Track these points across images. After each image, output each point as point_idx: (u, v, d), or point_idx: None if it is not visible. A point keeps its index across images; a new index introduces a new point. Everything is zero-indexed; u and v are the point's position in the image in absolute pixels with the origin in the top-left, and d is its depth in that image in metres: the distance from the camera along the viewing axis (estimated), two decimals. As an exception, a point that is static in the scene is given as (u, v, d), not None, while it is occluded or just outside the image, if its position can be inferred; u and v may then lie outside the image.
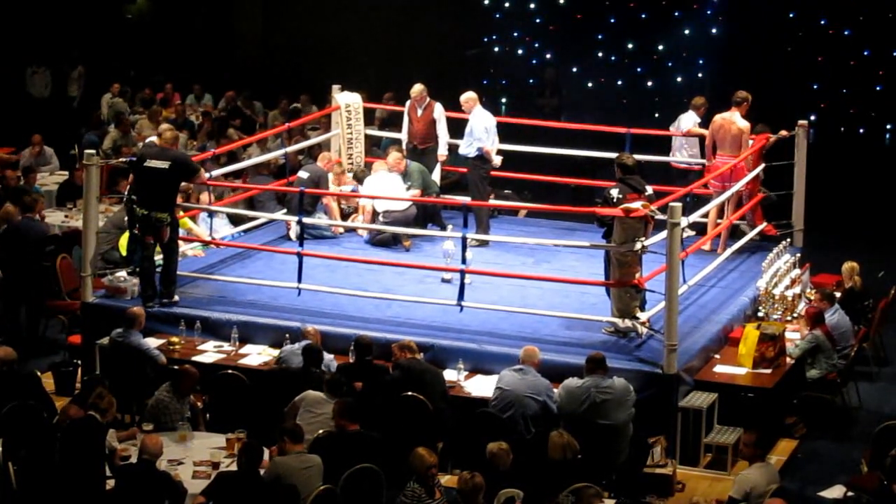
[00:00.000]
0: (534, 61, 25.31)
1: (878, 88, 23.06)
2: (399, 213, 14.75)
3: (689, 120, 15.38)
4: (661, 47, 24.14)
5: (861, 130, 23.53)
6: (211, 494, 9.54)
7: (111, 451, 10.20)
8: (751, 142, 14.61)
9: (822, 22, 23.06)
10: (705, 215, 14.27)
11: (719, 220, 14.58)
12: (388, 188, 14.84)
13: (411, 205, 14.80)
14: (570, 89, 24.78)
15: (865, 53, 22.90)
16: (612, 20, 24.50)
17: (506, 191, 16.89)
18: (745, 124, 14.43)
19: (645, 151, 14.74)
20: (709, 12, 23.73)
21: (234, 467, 10.04)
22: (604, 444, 10.73)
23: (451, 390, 11.47)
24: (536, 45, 25.16)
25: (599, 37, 24.63)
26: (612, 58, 24.59)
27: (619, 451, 10.83)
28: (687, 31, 23.92)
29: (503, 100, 24.70)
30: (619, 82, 24.58)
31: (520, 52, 25.30)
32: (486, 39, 25.39)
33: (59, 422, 10.52)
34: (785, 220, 15.29)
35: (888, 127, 23.58)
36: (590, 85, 24.66)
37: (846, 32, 22.93)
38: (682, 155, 15.41)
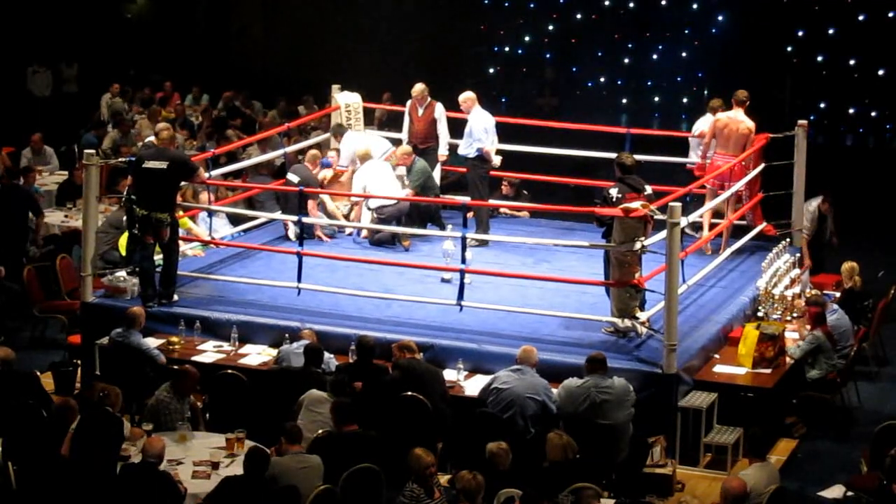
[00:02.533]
0: (533, 61, 25.35)
1: (876, 88, 23.10)
2: (392, 208, 14.71)
3: (704, 122, 15.26)
4: (660, 47, 24.17)
5: (861, 130, 23.56)
6: (215, 499, 9.52)
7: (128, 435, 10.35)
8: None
9: (822, 22, 23.09)
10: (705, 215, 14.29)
11: (715, 221, 14.56)
12: (380, 180, 14.76)
13: (398, 202, 14.75)
14: (569, 89, 24.82)
15: (865, 53, 22.92)
16: (612, 20, 24.53)
17: (524, 191, 16.86)
18: (752, 123, 14.38)
19: (645, 151, 14.72)
20: (707, 12, 23.76)
21: (233, 467, 10.05)
22: (603, 444, 10.73)
23: (450, 390, 11.46)
24: (536, 44, 25.20)
25: (598, 37, 24.66)
26: (612, 57, 24.62)
27: (618, 450, 10.82)
28: (686, 31, 23.95)
29: (503, 99, 24.72)
30: (619, 82, 24.61)
31: (520, 51, 25.33)
32: (485, 39, 25.43)
33: (58, 416, 10.51)
34: (784, 220, 15.29)
35: (888, 127, 23.59)
36: (589, 84, 24.69)
37: (846, 32, 22.96)
38: (695, 156, 15.33)
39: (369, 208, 14.87)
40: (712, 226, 14.60)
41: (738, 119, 14.34)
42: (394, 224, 14.73)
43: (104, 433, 10.09)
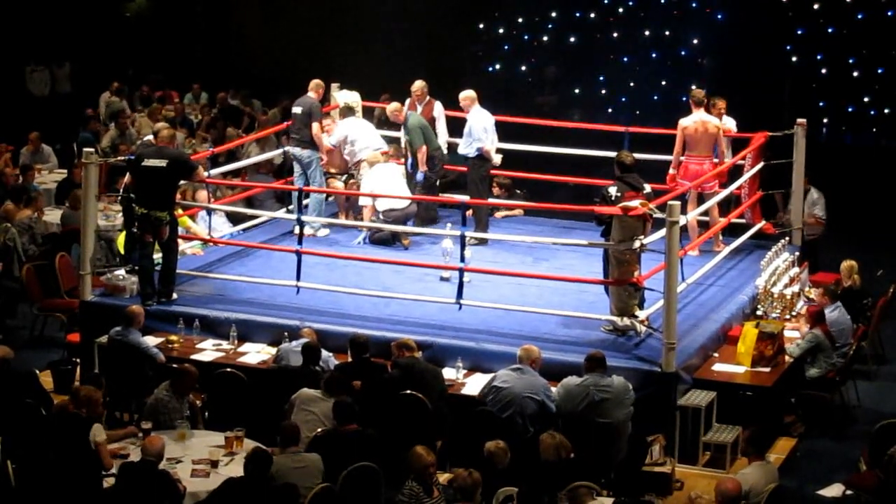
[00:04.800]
0: (534, 60, 25.34)
1: (876, 87, 23.08)
2: (399, 213, 14.71)
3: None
4: (660, 45, 24.15)
5: (860, 129, 23.54)
6: (216, 500, 9.50)
7: (95, 445, 10.07)
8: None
9: (821, 20, 23.08)
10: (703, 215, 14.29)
11: (702, 218, 14.51)
12: (389, 182, 14.74)
13: (411, 202, 14.76)
14: (569, 87, 24.80)
15: (864, 52, 22.91)
16: (611, 19, 24.52)
17: (518, 191, 16.87)
18: (718, 122, 14.36)
19: (645, 150, 14.71)
20: (707, 11, 23.74)
21: (232, 466, 10.06)
22: (602, 443, 10.73)
23: (449, 389, 11.46)
24: (536, 43, 25.19)
25: (598, 35, 24.65)
26: (611, 56, 24.61)
27: (617, 449, 10.82)
28: (686, 30, 23.93)
29: (502, 98, 24.70)
30: (617, 81, 24.58)
31: (519, 50, 25.31)
32: (485, 37, 25.42)
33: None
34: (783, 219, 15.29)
35: (883, 126, 23.55)
36: (589, 83, 24.67)
37: (845, 31, 22.95)
38: None
39: (377, 210, 14.84)
40: (701, 224, 14.54)
41: (704, 120, 14.26)
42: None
43: (68, 438, 10.02)
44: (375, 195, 14.66)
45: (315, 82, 15.42)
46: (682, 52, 24.01)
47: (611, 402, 10.84)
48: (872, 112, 23.30)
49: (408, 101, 15.67)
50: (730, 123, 14.90)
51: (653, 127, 16.35)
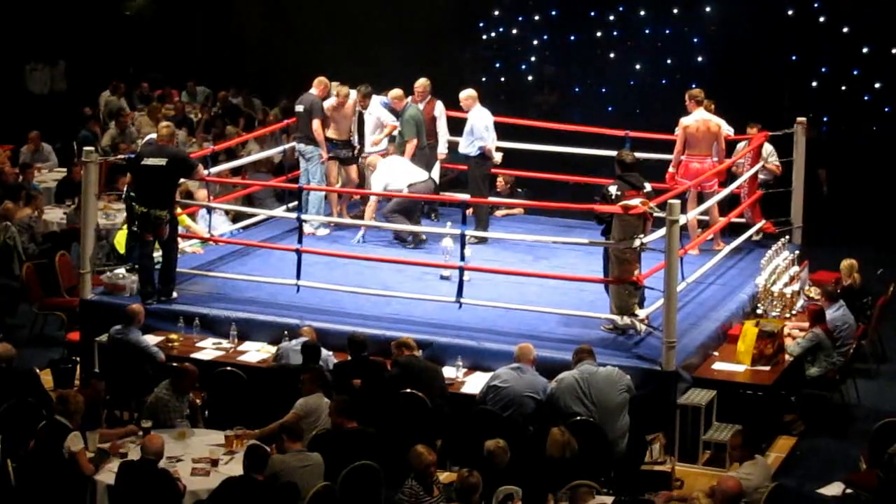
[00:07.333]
0: (533, 58, 25.35)
1: (877, 86, 23.07)
2: (422, 185, 14.55)
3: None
4: (658, 45, 24.15)
5: (859, 128, 23.52)
6: (215, 500, 9.50)
7: (70, 455, 9.87)
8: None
9: (822, 19, 23.07)
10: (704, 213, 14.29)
11: (702, 218, 14.50)
12: (403, 166, 14.70)
13: (430, 177, 14.69)
14: (569, 87, 24.79)
15: (865, 50, 22.90)
16: (611, 18, 24.53)
17: (518, 189, 16.86)
18: (720, 119, 14.35)
19: (645, 149, 14.70)
20: (707, 10, 23.74)
21: (232, 464, 10.05)
22: (598, 430, 10.66)
23: (449, 387, 11.46)
24: (536, 42, 25.19)
25: (598, 34, 24.64)
26: (611, 55, 24.61)
27: (613, 437, 10.77)
28: (686, 29, 23.93)
29: (502, 97, 24.71)
30: (617, 80, 24.57)
31: (519, 48, 25.32)
32: (485, 36, 25.43)
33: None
34: (784, 218, 15.29)
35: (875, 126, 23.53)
36: (589, 83, 24.67)
37: (845, 29, 22.94)
38: None
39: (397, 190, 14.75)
40: (701, 223, 14.53)
41: (705, 118, 14.21)
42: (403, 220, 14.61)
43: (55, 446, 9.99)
44: (374, 193, 14.66)
45: (319, 79, 15.41)
46: (682, 52, 23.98)
47: (604, 385, 10.83)
48: (872, 111, 23.28)
49: (409, 99, 15.64)
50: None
51: (654, 131, 16.29)
